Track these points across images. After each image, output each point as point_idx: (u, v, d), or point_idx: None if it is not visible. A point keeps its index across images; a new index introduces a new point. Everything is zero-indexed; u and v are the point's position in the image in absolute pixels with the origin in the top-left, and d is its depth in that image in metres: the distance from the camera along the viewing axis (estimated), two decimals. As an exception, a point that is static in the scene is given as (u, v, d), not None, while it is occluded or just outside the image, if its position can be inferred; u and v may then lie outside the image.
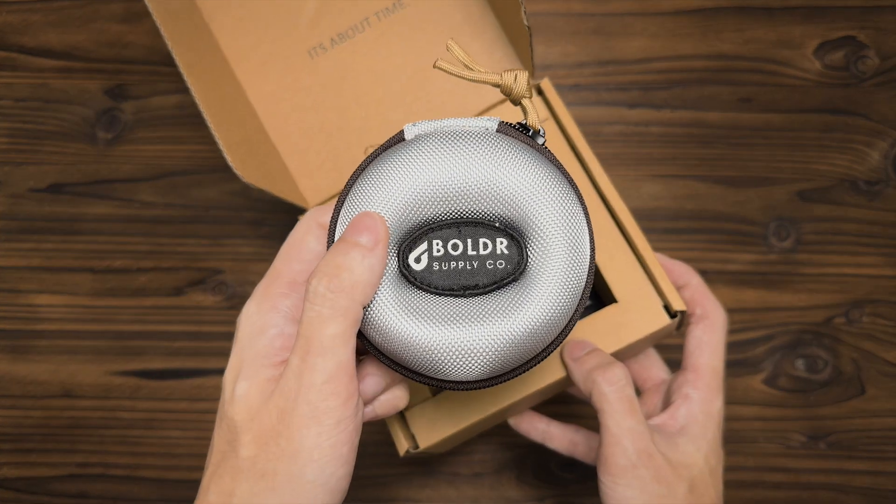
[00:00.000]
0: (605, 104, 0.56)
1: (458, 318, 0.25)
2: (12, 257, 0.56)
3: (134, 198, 0.56)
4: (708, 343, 0.38)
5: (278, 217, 0.56)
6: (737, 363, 0.54)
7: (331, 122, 0.43)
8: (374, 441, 0.54)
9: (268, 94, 0.43)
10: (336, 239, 0.26)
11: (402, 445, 0.39)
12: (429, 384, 0.27)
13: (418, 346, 0.25)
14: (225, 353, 0.55)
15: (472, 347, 0.25)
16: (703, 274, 0.55)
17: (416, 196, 0.26)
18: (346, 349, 0.24)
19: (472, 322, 0.25)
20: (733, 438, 0.54)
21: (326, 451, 0.24)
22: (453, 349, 0.25)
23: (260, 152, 0.41)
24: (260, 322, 0.26)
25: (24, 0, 0.58)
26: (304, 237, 0.28)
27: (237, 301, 0.55)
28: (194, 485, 0.54)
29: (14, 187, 0.57)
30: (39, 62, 0.57)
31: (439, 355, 0.25)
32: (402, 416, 0.39)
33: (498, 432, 0.54)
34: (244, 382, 0.25)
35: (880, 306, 0.55)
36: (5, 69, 0.57)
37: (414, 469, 0.54)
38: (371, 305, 0.25)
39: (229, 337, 0.55)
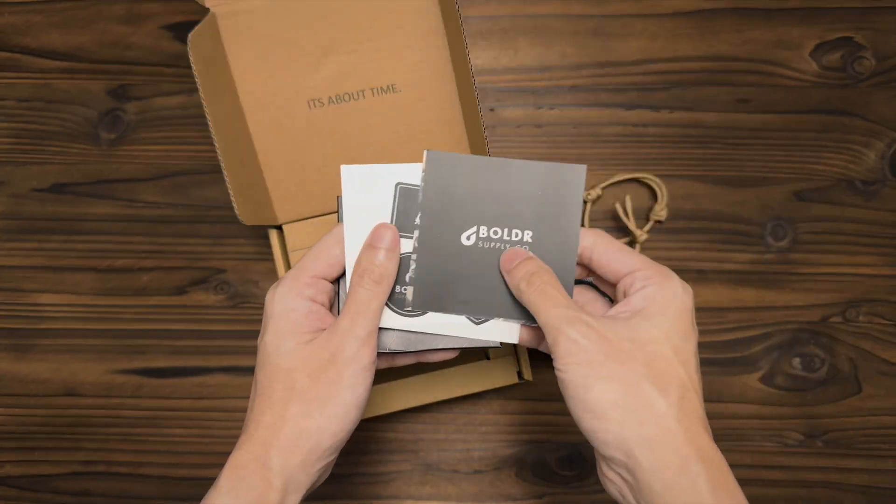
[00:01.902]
0: (604, 105, 0.57)
1: None
2: (15, 257, 0.57)
3: (136, 198, 0.57)
4: (619, 250, 0.35)
5: (279, 217, 0.56)
6: (734, 361, 0.55)
7: (313, 162, 0.50)
8: (374, 440, 0.55)
9: (265, 128, 0.50)
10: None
11: None
12: None
13: None
14: (227, 352, 0.56)
15: None
16: (701, 273, 0.56)
17: None
18: (378, 320, 0.35)
19: None
20: (731, 437, 0.54)
21: (360, 381, 0.34)
22: None
23: (254, 183, 0.48)
24: (291, 303, 0.35)
25: (27, 1, 0.58)
26: (332, 247, 0.36)
27: (239, 300, 0.56)
28: (197, 482, 0.54)
29: (17, 187, 0.57)
30: (42, 63, 0.58)
31: None
32: None
33: (498, 431, 0.55)
34: (290, 342, 0.34)
35: (877, 305, 0.55)
36: (8, 70, 0.58)
37: (415, 466, 0.54)
38: None
39: (231, 335, 0.56)
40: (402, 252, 0.37)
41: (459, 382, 0.49)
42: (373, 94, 0.50)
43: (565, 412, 0.54)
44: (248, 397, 0.55)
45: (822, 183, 0.56)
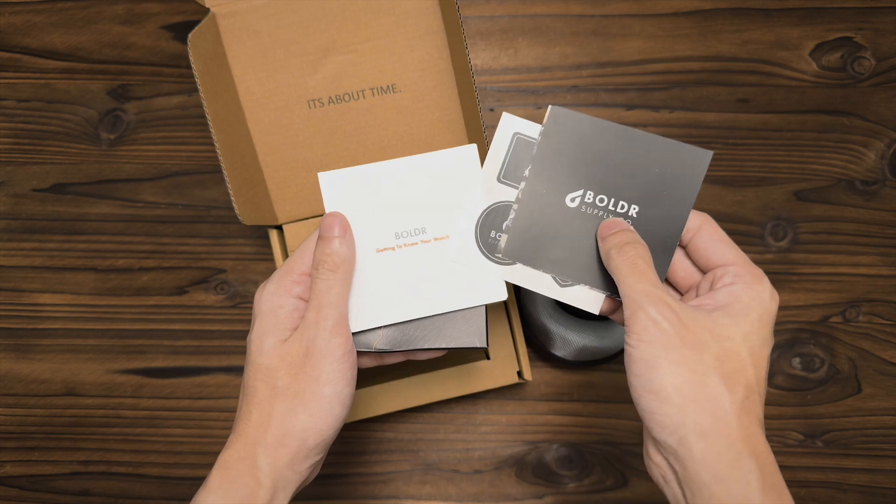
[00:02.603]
0: (604, 105, 0.57)
1: None
2: (15, 257, 0.57)
3: (136, 198, 0.57)
4: (722, 240, 0.35)
5: (279, 217, 0.56)
6: (734, 362, 0.55)
7: (313, 162, 0.50)
8: (374, 440, 0.55)
9: (266, 128, 0.50)
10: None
11: None
12: None
13: None
14: (227, 352, 0.56)
15: None
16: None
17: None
18: (344, 307, 0.35)
19: None
20: (731, 436, 0.54)
21: (337, 375, 0.34)
22: None
23: (254, 183, 0.48)
24: (279, 300, 0.35)
25: (28, 1, 0.58)
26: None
27: (239, 300, 0.56)
28: (197, 482, 0.54)
29: (17, 187, 0.57)
30: (42, 63, 0.58)
31: None
32: None
33: (498, 431, 0.55)
34: (271, 339, 0.35)
35: (877, 305, 0.55)
36: (8, 70, 0.58)
37: (415, 466, 0.54)
38: None
39: (231, 335, 0.56)
40: (501, 201, 0.37)
41: (459, 382, 0.49)
42: (373, 94, 0.50)
43: (565, 412, 0.55)
44: (247, 397, 0.55)
45: (822, 183, 0.56)
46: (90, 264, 0.56)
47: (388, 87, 0.50)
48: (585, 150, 0.36)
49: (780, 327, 0.55)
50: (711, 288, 0.34)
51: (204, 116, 0.43)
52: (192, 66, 0.42)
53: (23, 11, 0.58)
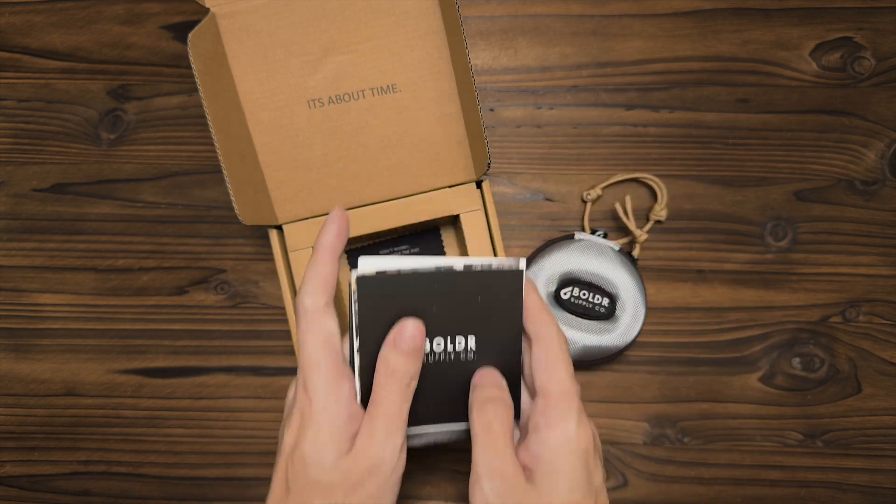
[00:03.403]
0: (604, 105, 0.57)
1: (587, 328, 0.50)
2: (15, 257, 0.57)
3: (136, 198, 0.57)
4: (546, 363, 0.34)
5: (279, 217, 0.56)
6: (734, 362, 0.55)
7: (313, 162, 0.50)
8: (374, 439, 0.55)
9: (266, 128, 0.50)
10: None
11: None
12: None
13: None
14: (227, 352, 0.56)
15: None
16: (701, 273, 0.56)
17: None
18: (407, 420, 0.34)
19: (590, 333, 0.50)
20: (730, 437, 0.54)
21: (396, 490, 0.34)
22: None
23: (254, 183, 0.48)
24: (332, 401, 0.33)
25: (28, 1, 0.58)
26: (323, 271, 0.36)
27: (239, 300, 0.56)
28: (197, 482, 0.54)
29: (17, 187, 0.57)
30: (42, 63, 0.58)
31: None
32: None
33: (497, 430, 0.55)
34: (330, 454, 0.33)
35: (877, 305, 0.55)
36: (8, 70, 0.58)
37: (415, 466, 0.54)
38: None
39: (231, 335, 0.56)
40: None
41: None
42: (373, 94, 0.50)
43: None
44: (248, 397, 0.55)
45: (822, 183, 0.56)
46: (90, 264, 0.56)
47: (388, 86, 0.50)
48: (404, 301, 0.34)
49: (779, 327, 0.55)
50: (528, 425, 0.35)
51: (204, 116, 0.43)
52: (192, 65, 0.42)
53: (23, 11, 0.58)
